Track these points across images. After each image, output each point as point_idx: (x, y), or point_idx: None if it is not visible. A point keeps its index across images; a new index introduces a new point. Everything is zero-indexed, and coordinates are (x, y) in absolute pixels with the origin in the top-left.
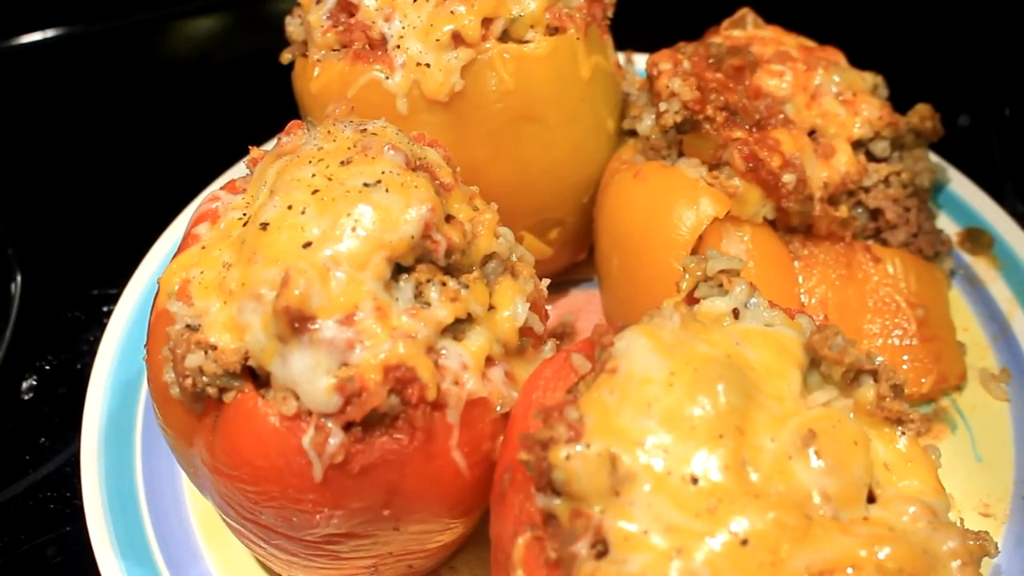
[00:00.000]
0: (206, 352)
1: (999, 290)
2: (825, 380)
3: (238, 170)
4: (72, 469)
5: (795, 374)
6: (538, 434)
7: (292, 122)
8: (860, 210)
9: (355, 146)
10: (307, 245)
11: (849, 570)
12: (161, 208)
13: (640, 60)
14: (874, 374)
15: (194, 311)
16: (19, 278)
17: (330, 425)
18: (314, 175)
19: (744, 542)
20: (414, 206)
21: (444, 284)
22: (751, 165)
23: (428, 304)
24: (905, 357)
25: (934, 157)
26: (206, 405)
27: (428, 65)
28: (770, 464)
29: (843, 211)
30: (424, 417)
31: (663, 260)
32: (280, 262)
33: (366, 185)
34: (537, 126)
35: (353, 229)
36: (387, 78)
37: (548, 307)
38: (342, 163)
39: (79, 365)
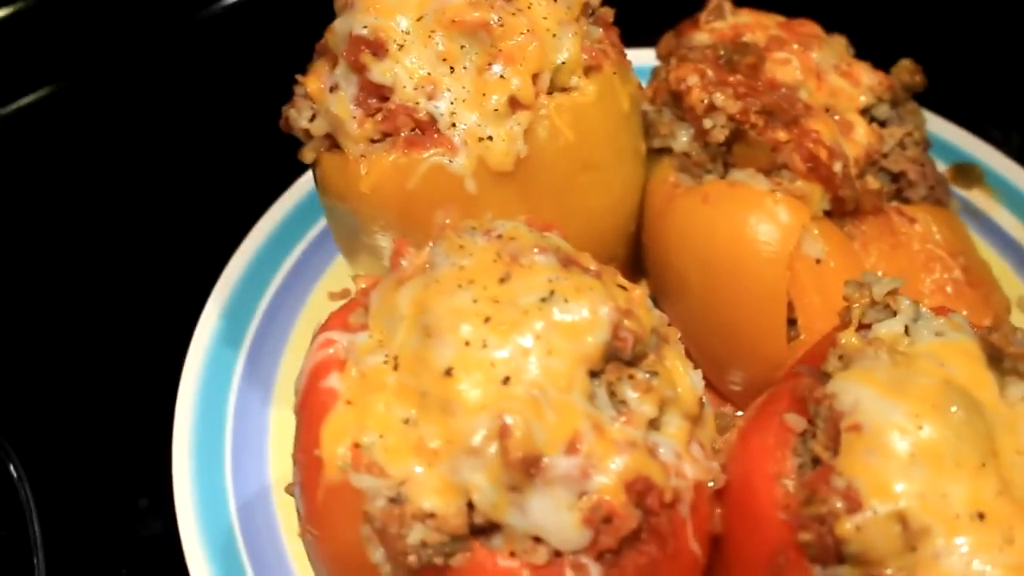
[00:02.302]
0: (424, 522)
1: (1003, 217)
2: (1005, 375)
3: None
4: None
5: (989, 377)
6: (813, 512)
7: (397, 241)
8: (883, 176)
9: (500, 257)
10: (506, 381)
11: None
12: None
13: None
14: None
15: (391, 482)
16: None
17: (584, 560)
18: (476, 301)
19: None
20: (598, 309)
21: (632, 377)
22: (811, 164)
23: (624, 403)
24: (964, 309)
25: None
26: None
27: (490, 138)
28: None
29: (874, 182)
30: (666, 521)
31: (762, 279)
32: (486, 408)
33: (542, 300)
34: (596, 172)
35: (548, 352)
36: (450, 160)
37: None
38: (501, 280)
39: None
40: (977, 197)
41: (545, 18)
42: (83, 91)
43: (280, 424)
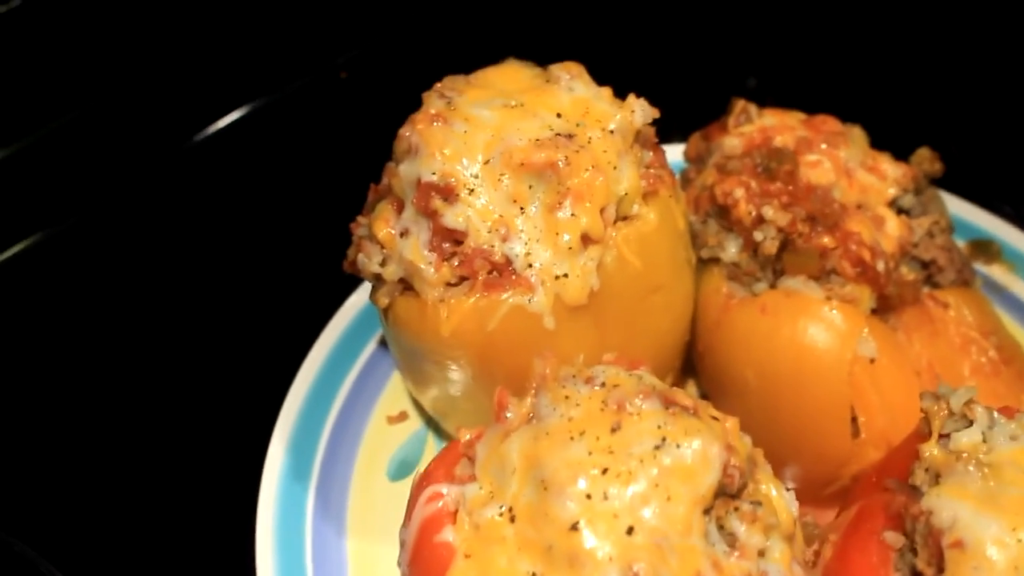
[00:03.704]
0: None
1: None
2: None
3: None
4: None
5: None
6: None
7: (499, 392)
8: (913, 264)
9: (607, 405)
10: (630, 531)
11: None
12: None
13: None
14: None
15: None
16: None
17: None
18: (591, 452)
19: None
20: (709, 451)
21: (737, 509)
22: (859, 269)
23: (733, 534)
24: (1001, 387)
25: None
26: None
27: (565, 275)
28: None
29: (909, 273)
30: None
31: (826, 384)
32: (614, 560)
33: (656, 448)
34: (661, 293)
35: (667, 498)
36: (529, 300)
37: None
38: (612, 431)
39: None
40: (996, 272)
41: (605, 151)
42: (85, 233)
43: (357, 556)
